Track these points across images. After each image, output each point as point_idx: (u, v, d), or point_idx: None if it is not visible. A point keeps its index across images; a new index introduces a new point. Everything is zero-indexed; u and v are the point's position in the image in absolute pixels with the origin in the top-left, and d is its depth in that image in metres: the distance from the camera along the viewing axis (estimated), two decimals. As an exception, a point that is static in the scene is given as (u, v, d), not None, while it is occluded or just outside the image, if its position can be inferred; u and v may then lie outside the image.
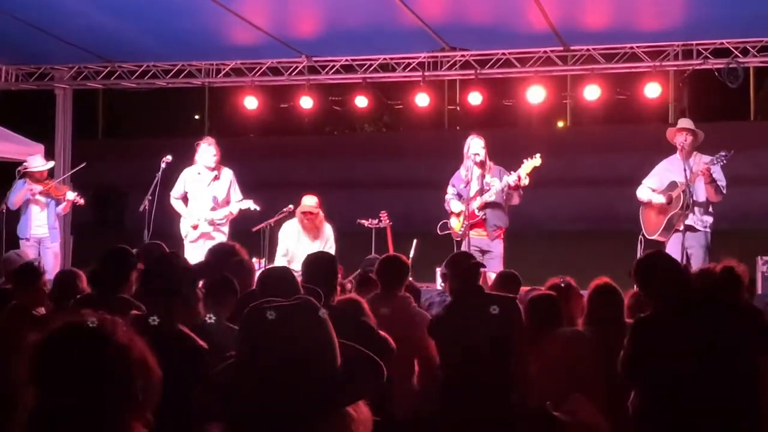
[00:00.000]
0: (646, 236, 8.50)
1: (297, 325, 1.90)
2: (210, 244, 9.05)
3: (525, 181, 8.57)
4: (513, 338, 4.80)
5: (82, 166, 10.60)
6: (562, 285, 5.41)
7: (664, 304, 3.93)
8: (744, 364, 3.73)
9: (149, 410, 1.89)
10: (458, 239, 8.75)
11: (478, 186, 8.73)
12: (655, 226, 8.43)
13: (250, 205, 9.11)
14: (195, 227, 9.14)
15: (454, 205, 8.87)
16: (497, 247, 8.65)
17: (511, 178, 8.56)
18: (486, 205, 8.67)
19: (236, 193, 9.29)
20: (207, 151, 9.15)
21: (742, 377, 3.70)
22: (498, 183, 8.63)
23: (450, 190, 8.96)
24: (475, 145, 8.72)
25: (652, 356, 3.83)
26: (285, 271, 4.60)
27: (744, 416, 3.70)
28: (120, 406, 1.84)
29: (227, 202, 9.21)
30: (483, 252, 8.58)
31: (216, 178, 9.19)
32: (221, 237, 9.15)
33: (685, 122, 8.56)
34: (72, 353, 1.83)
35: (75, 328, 1.87)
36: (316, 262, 4.94)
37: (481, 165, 8.71)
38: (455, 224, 8.85)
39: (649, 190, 8.58)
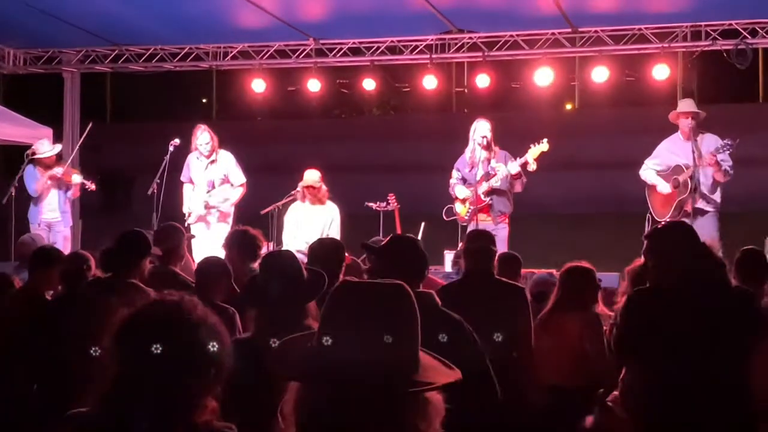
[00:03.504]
0: (656, 218, 8.49)
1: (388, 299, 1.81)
2: (210, 227, 9.18)
3: (532, 166, 8.57)
4: (518, 329, 4.77)
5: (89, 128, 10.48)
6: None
7: (663, 279, 3.82)
8: (734, 346, 3.66)
9: (220, 384, 2.03)
10: (464, 224, 8.77)
11: (483, 170, 8.73)
12: (664, 210, 8.42)
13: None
14: (190, 213, 9.24)
15: (459, 190, 8.86)
16: (502, 231, 8.63)
17: (514, 166, 8.56)
18: (492, 191, 8.67)
19: (236, 177, 9.24)
20: (200, 138, 9.15)
21: (733, 359, 3.63)
22: (504, 168, 8.63)
23: (455, 174, 8.95)
24: (481, 128, 8.71)
25: (644, 333, 3.74)
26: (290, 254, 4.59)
27: (734, 397, 3.62)
28: (196, 380, 1.98)
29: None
30: (488, 236, 8.58)
31: (213, 162, 9.21)
32: (220, 222, 9.19)
33: (686, 104, 8.53)
34: (155, 328, 1.97)
35: (158, 305, 2.04)
36: (321, 248, 4.89)
37: (487, 148, 8.69)
38: (460, 209, 8.85)
39: (654, 172, 8.55)
